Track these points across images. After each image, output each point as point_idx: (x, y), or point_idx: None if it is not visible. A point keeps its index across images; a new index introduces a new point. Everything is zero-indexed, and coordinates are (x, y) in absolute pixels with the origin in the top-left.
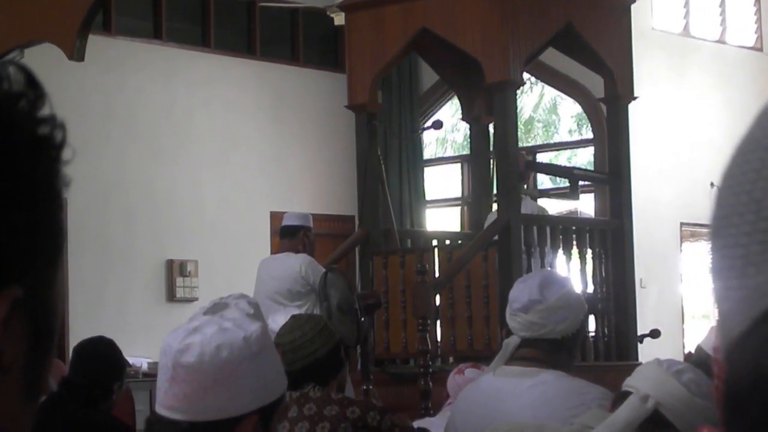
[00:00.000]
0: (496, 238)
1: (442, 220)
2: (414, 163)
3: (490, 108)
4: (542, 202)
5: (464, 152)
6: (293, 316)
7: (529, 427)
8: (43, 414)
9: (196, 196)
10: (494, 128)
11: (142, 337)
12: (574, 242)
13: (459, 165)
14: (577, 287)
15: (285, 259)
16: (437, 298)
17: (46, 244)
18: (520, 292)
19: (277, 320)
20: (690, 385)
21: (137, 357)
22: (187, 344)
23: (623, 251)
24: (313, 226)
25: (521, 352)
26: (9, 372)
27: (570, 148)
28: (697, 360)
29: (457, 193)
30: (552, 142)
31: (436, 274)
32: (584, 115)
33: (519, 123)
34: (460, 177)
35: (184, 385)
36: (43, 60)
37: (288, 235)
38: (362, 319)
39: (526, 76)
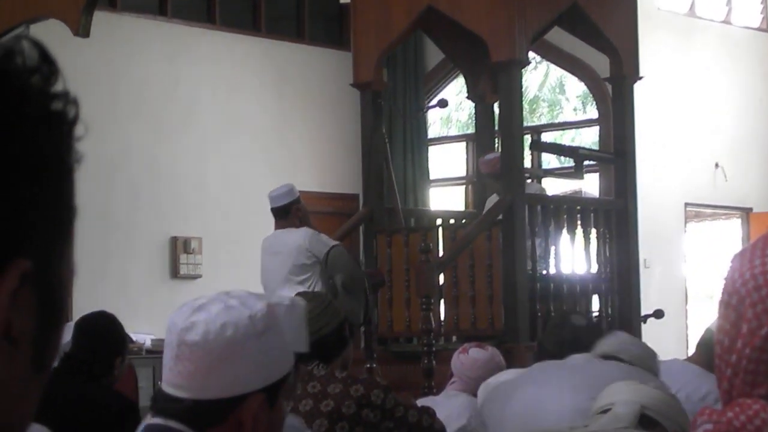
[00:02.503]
0: (500, 217)
1: (447, 199)
2: (418, 141)
3: (495, 87)
4: (546, 181)
5: (469, 131)
6: (298, 294)
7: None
8: (44, 389)
9: (201, 173)
10: (499, 107)
11: (146, 313)
12: (579, 222)
13: (464, 144)
14: (581, 267)
15: (287, 234)
16: (441, 277)
17: (56, 218)
18: None
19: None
20: (660, 388)
21: (141, 333)
22: (191, 322)
23: (627, 231)
24: (301, 198)
25: None
26: (18, 344)
27: (575, 128)
28: (705, 342)
29: (462, 172)
30: (557, 121)
31: (440, 253)
32: (589, 94)
33: (524, 102)
34: (464, 156)
35: (189, 363)
36: (48, 35)
37: (282, 217)
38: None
39: (531, 55)
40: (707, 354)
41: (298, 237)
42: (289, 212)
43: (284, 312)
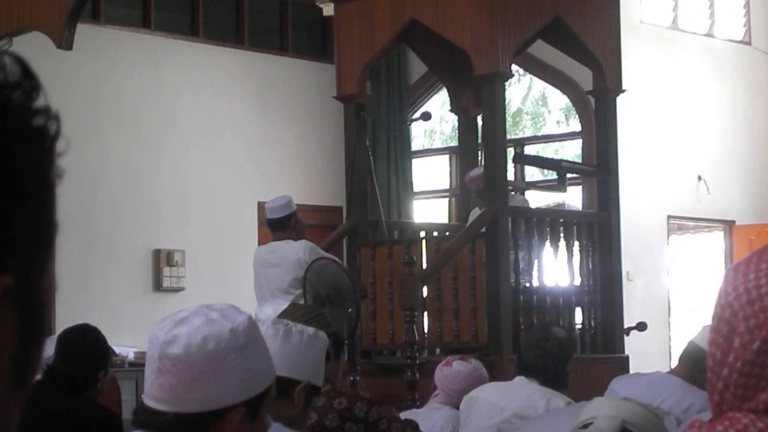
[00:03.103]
0: (483, 230)
1: (430, 211)
2: (402, 154)
3: (479, 100)
4: (530, 194)
5: (452, 144)
6: (293, 303)
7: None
8: (27, 402)
9: (184, 185)
10: (482, 120)
11: (129, 326)
12: (562, 235)
13: (447, 157)
14: (565, 280)
15: (286, 246)
16: (424, 289)
17: (38, 234)
18: None
19: (265, 311)
20: (641, 405)
21: (124, 346)
22: (173, 335)
23: (610, 244)
24: (298, 211)
25: None
26: None
27: (558, 141)
28: (688, 354)
29: (445, 185)
30: (540, 134)
31: (424, 266)
32: (572, 107)
33: (507, 115)
34: (448, 169)
35: (170, 376)
36: (31, 48)
37: (279, 228)
38: (350, 310)
39: (514, 68)
40: (690, 367)
41: (299, 250)
42: (286, 225)
43: (306, 341)
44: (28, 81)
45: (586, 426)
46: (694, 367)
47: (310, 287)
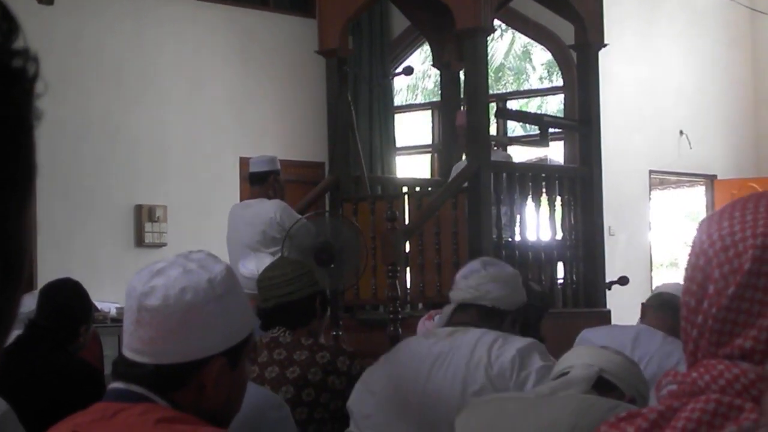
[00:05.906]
0: (465, 185)
1: (413, 166)
2: (384, 109)
3: (461, 54)
4: (512, 149)
5: (435, 99)
6: (281, 257)
7: (511, 398)
8: (8, 356)
9: (166, 140)
10: (465, 75)
11: (111, 282)
12: (544, 190)
13: (429, 112)
14: (547, 235)
15: (259, 205)
16: (407, 244)
17: (17, 177)
18: (466, 268)
19: (248, 266)
20: (619, 354)
21: (105, 302)
22: (151, 287)
23: (592, 198)
24: (281, 169)
25: (455, 318)
26: None
27: (540, 96)
28: (670, 305)
29: (428, 140)
30: (522, 89)
31: (406, 221)
32: (554, 62)
33: (490, 70)
34: (430, 124)
35: (149, 328)
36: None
37: (258, 182)
38: (332, 265)
39: (497, 23)
40: (671, 317)
41: (270, 209)
42: (266, 180)
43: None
44: (7, 22)
45: (564, 374)
46: (674, 316)
47: (294, 250)
